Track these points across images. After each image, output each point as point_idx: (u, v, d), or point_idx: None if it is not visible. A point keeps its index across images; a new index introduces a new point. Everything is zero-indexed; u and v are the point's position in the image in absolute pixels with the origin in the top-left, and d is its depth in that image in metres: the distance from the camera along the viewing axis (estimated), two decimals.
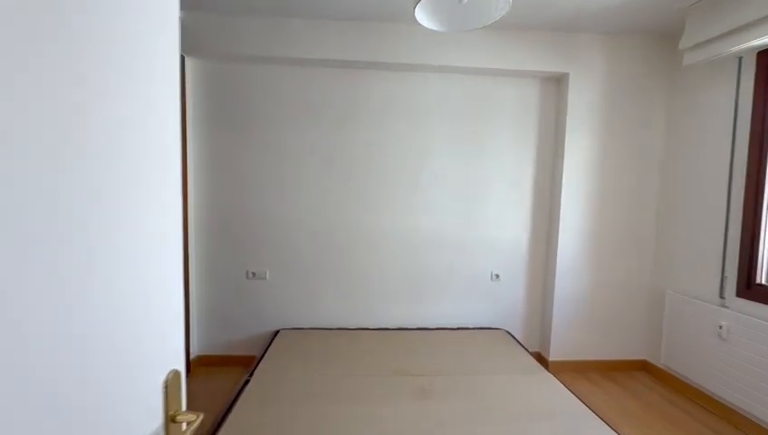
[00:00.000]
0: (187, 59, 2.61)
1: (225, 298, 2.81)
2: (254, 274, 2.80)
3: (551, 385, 2.09)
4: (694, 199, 2.53)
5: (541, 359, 2.93)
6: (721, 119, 2.34)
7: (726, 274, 2.28)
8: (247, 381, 2.04)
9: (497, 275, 2.94)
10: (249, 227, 2.78)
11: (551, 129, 2.89)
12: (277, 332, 2.73)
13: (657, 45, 2.72)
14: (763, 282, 2.14)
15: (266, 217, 2.78)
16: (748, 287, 2.17)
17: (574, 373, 2.79)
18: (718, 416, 2.26)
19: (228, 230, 2.77)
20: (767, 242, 2.13)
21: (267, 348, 2.48)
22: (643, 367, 2.85)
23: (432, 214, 2.88)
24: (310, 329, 2.80)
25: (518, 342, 2.69)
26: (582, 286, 2.82)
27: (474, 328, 2.91)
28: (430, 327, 2.90)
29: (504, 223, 2.92)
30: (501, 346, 2.59)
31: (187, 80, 2.62)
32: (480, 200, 2.90)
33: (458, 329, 2.88)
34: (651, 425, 2.18)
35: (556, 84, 2.85)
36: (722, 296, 2.30)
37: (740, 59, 2.22)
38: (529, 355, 2.47)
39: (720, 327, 2.24)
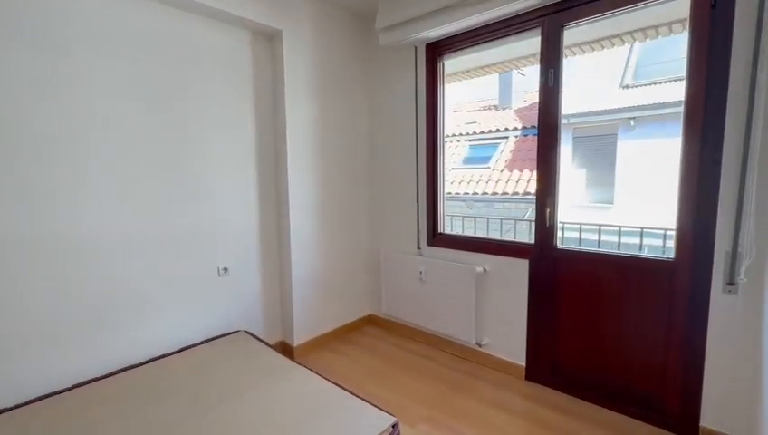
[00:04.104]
0: None
1: None
2: None
3: (301, 381, 1.88)
4: (394, 170, 2.92)
5: (286, 348, 2.72)
6: (407, 99, 2.75)
7: (420, 228, 2.78)
8: None
9: (226, 269, 2.43)
10: None
11: (269, 95, 2.56)
12: None
13: (361, 22, 2.89)
14: (443, 231, 2.74)
15: None
16: (434, 237, 2.73)
17: (319, 350, 2.75)
18: (426, 344, 2.80)
19: None
20: (443, 201, 2.73)
21: None
22: (369, 320, 3.20)
23: (118, 206, 1.96)
24: None
25: (259, 340, 2.33)
26: (316, 261, 2.77)
27: (207, 340, 2.30)
28: (147, 359, 2.05)
29: (226, 205, 2.40)
30: (241, 354, 2.15)
31: None
32: (191, 181, 2.23)
33: (187, 348, 2.19)
34: (390, 374, 2.42)
35: (270, 42, 2.52)
36: (419, 247, 2.81)
37: (416, 48, 2.64)
38: (273, 352, 2.17)
39: (420, 272, 2.73)
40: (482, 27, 2.28)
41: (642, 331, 1.89)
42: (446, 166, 2.72)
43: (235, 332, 2.42)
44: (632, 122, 6.39)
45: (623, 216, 6.13)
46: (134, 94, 1.98)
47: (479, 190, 7.71)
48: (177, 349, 2.19)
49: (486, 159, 8.21)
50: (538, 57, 3.08)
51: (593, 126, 6.83)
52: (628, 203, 6.33)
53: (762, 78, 1.48)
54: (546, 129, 2.10)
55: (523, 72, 9.59)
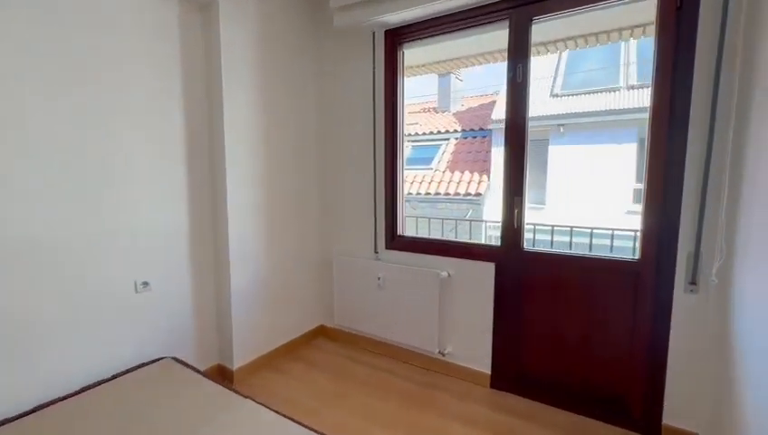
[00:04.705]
0: None
1: None
2: None
3: (244, 416, 1.56)
4: (349, 167, 2.66)
5: (224, 373, 2.32)
6: (364, 90, 2.52)
7: (378, 231, 2.57)
8: None
9: (146, 284, 1.98)
10: None
11: (202, 76, 2.16)
12: None
13: (313, 1, 2.58)
14: (403, 234, 2.56)
15: None
16: (393, 240, 2.54)
17: (264, 371, 2.40)
18: (385, 356, 2.58)
19: None
20: (402, 201, 2.55)
21: None
22: (320, 332, 2.90)
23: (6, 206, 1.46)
24: None
25: (189, 367, 1.93)
26: (259, 270, 2.41)
27: (120, 374, 1.84)
28: (38, 405, 1.55)
29: (146, 205, 1.96)
30: (166, 387, 1.75)
31: None
32: (99, 175, 1.77)
33: (94, 385, 1.72)
34: (347, 394, 2.16)
35: (202, 12, 2.12)
36: (376, 251, 2.59)
37: (374, 33, 2.42)
38: (206, 381, 1.79)
39: (378, 278, 2.51)
40: (447, 15, 2.13)
41: (608, 332, 1.88)
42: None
43: (158, 359, 1.99)
44: (562, 129, 6.85)
45: (554, 216, 6.54)
46: (25, 62, 1.49)
47: (422, 191, 7.74)
48: (80, 388, 1.71)
49: (428, 160, 8.28)
50: (486, 55, 3.10)
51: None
52: (559, 204, 6.77)
53: (725, 79, 1.52)
54: (514, 127, 2.02)
55: (460, 78, 9.91)
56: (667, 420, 1.77)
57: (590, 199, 6.38)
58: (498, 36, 2.26)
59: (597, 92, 6.88)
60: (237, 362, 2.30)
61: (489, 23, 2.06)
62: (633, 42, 6.57)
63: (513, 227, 2.07)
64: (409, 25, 2.28)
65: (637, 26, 2.25)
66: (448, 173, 7.87)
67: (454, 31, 2.19)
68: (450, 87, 9.42)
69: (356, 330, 2.69)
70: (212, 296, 2.31)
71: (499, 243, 2.14)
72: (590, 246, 2.75)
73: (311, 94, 2.68)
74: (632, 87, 6.63)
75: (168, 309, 2.09)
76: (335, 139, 2.71)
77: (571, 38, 2.51)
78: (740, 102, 1.46)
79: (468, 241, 2.51)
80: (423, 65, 3.40)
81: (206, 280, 2.27)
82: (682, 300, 1.70)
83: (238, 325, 2.29)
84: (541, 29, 2.00)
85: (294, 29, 2.51)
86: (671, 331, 1.73)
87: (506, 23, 1.99)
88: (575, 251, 2.00)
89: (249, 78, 2.25)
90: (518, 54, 1.97)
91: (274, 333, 2.55)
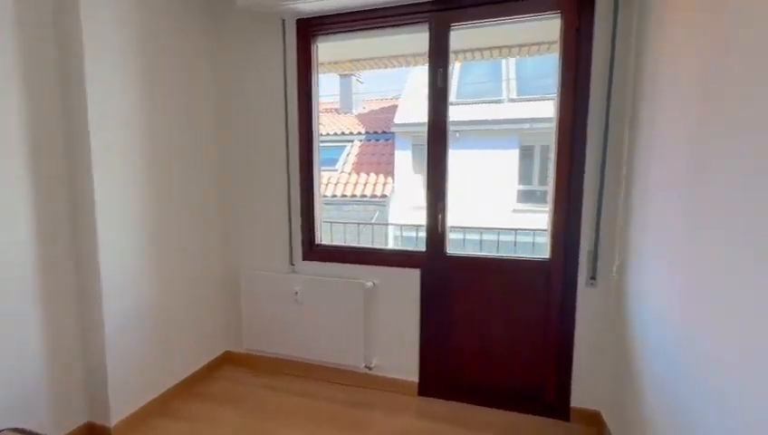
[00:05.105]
0: None
1: None
2: None
3: None
4: (257, 169, 2.34)
5: (96, 433, 1.81)
6: (273, 81, 2.24)
7: (293, 240, 2.32)
8: None
9: None
10: None
11: (53, 44, 1.63)
12: None
13: None
14: (321, 242, 2.35)
15: None
16: (311, 249, 2.32)
17: (156, 419, 1.95)
18: (306, 377, 2.33)
19: None
20: (320, 206, 2.34)
21: None
22: (226, 360, 2.51)
23: None
24: None
25: None
26: (144, 296, 1.96)
27: None
28: None
29: None
30: None
31: None
32: None
33: None
34: (266, 431, 1.88)
35: None
36: (292, 263, 2.33)
37: (284, 21, 2.16)
38: None
39: (296, 293, 2.27)
40: (364, 11, 2.01)
41: (526, 328, 1.99)
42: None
43: None
44: (458, 135, 7.37)
45: (454, 215, 7.00)
46: None
47: (328, 193, 7.54)
48: None
49: (333, 161, 8.10)
50: (399, 58, 3.10)
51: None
52: (457, 204, 7.29)
53: (616, 93, 1.72)
54: (436, 131, 2.01)
55: (361, 80, 9.97)
56: (575, 402, 1.95)
57: (484, 199, 7.00)
58: (409, 40, 2.24)
59: (484, 103, 7.60)
60: (116, 416, 1.82)
61: (408, 24, 2.00)
62: (513, 60, 7.44)
63: (436, 232, 2.05)
64: (325, 17, 2.09)
65: (534, 44, 2.46)
66: (354, 175, 7.82)
67: (372, 28, 2.08)
68: (352, 88, 9.39)
69: (271, 353, 2.39)
70: (75, 336, 1.78)
71: (416, 246, 2.11)
72: (498, 243, 2.95)
73: (208, 84, 2.29)
74: (513, 100, 7.49)
75: (2, 363, 1.53)
76: (240, 137, 2.36)
77: (477, 49, 2.63)
78: (632, 114, 1.66)
79: (393, 248, 2.43)
80: (333, 63, 3.23)
81: (65, 317, 1.74)
82: (584, 294, 1.88)
83: (115, 368, 1.81)
84: (456, 36, 2.02)
85: (185, 2, 2.10)
86: (576, 323, 1.91)
87: (426, 26, 1.96)
88: (493, 253, 2.09)
89: (123, 55, 1.79)
90: (439, 59, 1.96)
91: (167, 370, 2.10)
